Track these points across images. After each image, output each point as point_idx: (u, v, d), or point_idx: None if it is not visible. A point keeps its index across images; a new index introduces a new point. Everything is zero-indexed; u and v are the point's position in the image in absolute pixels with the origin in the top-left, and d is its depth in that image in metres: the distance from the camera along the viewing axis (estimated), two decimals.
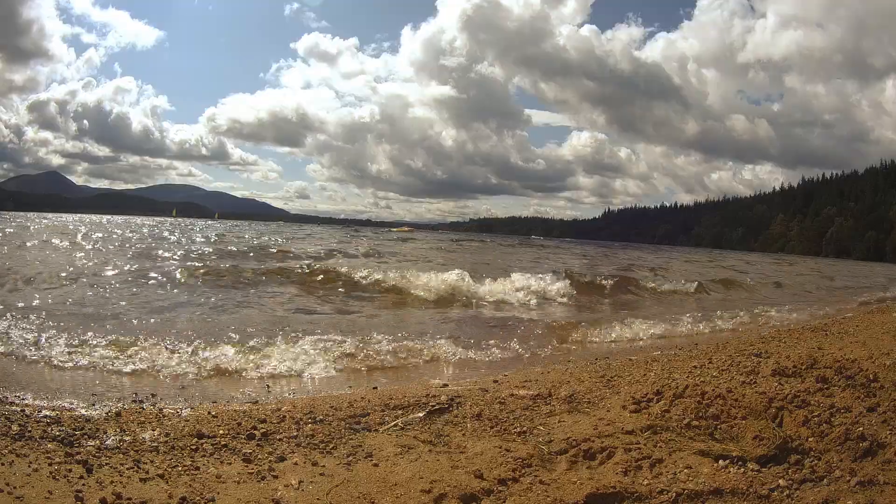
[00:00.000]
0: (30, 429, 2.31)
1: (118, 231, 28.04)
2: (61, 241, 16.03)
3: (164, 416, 2.66)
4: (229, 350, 4.30)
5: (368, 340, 4.84)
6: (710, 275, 17.30)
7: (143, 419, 2.57)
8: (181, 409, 2.79)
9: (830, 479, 1.99)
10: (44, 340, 4.29)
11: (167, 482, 1.92)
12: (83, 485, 1.84)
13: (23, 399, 2.95)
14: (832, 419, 2.34)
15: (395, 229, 75.29)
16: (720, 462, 2.10)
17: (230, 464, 2.11)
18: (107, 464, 2.02)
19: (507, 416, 2.70)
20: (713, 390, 2.55)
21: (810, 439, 2.23)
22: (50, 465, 1.97)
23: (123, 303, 6.54)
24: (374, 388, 3.49)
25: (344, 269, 9.80)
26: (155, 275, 8.75)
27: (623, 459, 2.11)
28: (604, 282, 11.03)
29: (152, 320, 5.56)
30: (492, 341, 5.25)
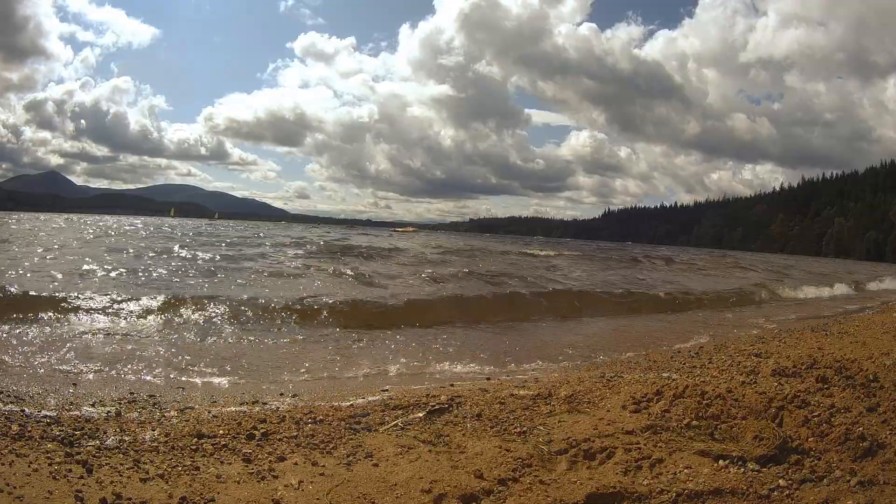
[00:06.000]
0: (30, 429, 2.31)
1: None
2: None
3: (164, 415, 2.66)
4: None
5: None
6: None
7: (143, 419, 2.57)
8: (181, 408, 2.79)
9: (830, 479, 1.98)
10: None
11: (167, 482, 1.92)
12: (83, 485, 1.84)
13: None
14: (832, 419, 2.34)
15: (398, 229, 74.82)
16: (720, 462, 2.10)
17: (230, 464, 2.11)
18: (107, 464, 2.02)
19: (507, 416, 2.70)
20: (713, 390, 2.55)
21: (810, 439, 2.22)
22: (50, 465, 1.97)
23: None
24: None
25: None
26: None
27: (623, 459, 2.11)
28: None
29: None
30: None
